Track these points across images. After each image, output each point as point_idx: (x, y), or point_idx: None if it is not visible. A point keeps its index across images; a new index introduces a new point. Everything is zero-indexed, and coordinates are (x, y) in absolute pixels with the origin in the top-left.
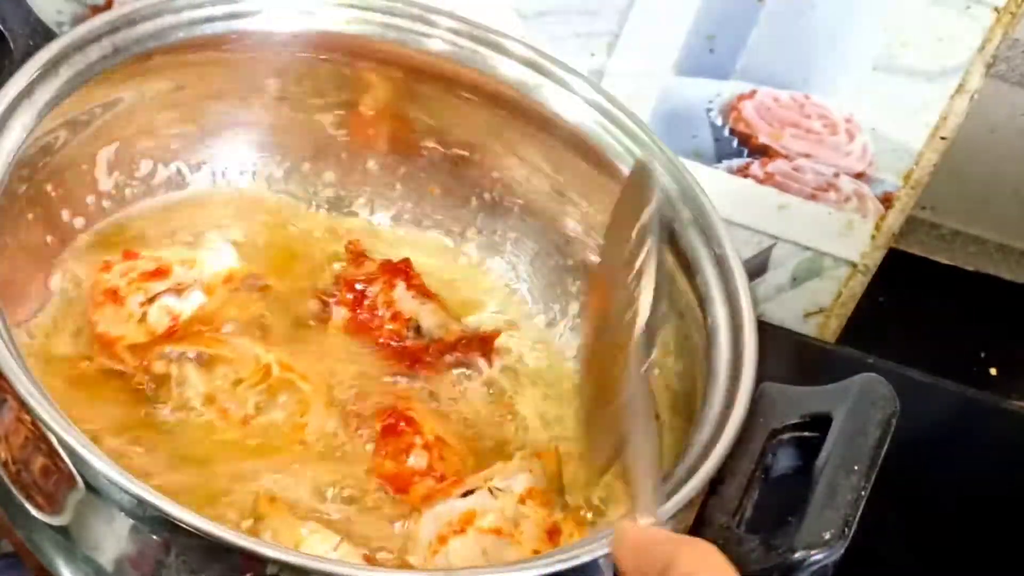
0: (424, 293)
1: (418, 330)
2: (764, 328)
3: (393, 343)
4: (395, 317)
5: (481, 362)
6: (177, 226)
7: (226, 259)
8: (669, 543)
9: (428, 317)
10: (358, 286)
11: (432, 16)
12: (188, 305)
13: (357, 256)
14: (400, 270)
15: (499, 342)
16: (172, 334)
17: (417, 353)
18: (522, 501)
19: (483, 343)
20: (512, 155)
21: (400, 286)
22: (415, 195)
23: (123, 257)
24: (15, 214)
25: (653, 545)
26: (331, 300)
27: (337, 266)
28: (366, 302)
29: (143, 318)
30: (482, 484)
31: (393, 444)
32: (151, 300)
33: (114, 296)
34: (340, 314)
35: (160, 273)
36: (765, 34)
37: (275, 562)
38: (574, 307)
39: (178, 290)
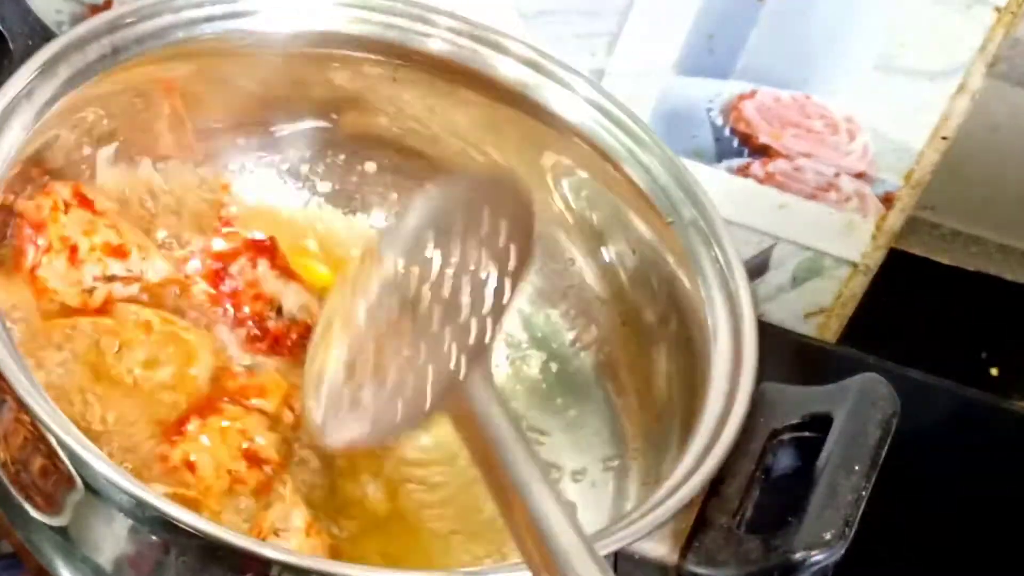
0: (288, 274)
1: (280, 312)
2: (764, 328)
3: (252, 323)
4: (258, 297)
5: None
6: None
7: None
8: None
9: (291, 298)
10: (220, 264)
11: (432, 16)
12: (125, 294)
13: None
14: (265, 248)
15: None
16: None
17: (277, 336)
18: (307, 534)
19: None
20: (512, 155)
21: (263, 265)
22: (413, 196)
23: (74, 196)
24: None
25: None
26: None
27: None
28: (229, 281)
29: (90, 291)
30: (267, 535)
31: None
32: (107, 280)
33: (72, 254)
34: (200, 288)
35: (120, 252)
36: (765, 34)
37: (276, 563)
38: (572, 311)
39: (127, 280)
